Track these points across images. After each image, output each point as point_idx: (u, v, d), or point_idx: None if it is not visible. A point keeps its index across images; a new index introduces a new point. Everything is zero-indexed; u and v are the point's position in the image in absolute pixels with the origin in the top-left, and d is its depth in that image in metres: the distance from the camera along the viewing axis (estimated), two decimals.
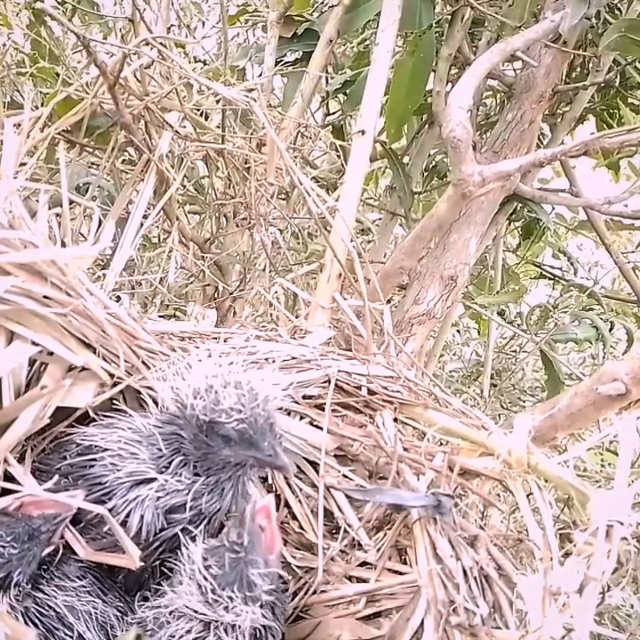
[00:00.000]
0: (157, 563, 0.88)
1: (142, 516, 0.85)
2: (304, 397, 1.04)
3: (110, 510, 0.84)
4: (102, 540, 0.86)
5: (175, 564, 0.85)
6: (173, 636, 0.79)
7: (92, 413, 0.94)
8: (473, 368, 2.75)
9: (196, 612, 0.79)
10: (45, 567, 0.84)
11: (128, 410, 0.94)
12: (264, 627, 0.80)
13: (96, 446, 0.89)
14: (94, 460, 0.88)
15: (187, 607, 0.80)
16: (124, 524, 0.85)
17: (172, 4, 2.17)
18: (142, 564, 0.84)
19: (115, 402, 0.96)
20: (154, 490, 0.86)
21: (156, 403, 0.94)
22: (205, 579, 0.79)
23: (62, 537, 0.85)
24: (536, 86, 1.72)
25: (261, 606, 0.79)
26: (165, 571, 0.88)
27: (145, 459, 0.88)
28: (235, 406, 0.84)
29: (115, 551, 0.86)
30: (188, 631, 0.79)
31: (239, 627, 0.78)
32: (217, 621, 0.78)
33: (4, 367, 0.87)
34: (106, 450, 0.88)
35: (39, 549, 0.82)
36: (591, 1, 1.42)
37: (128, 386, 0.95)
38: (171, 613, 0.81)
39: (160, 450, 0.88)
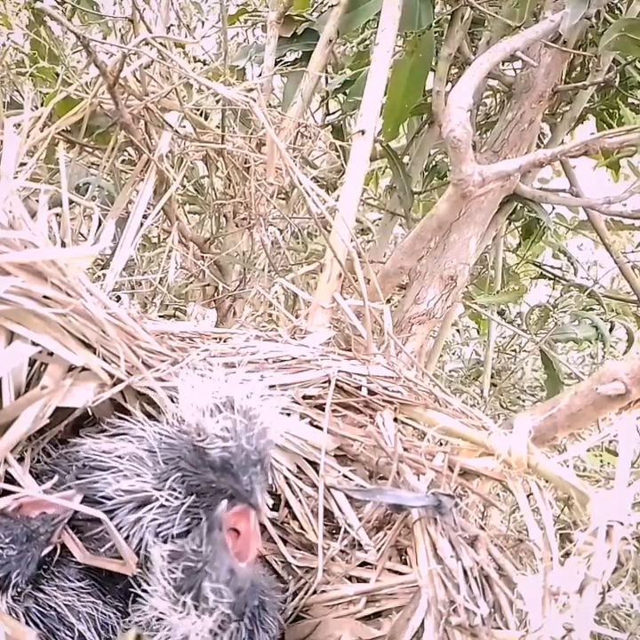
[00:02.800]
0: None
1: (141, 540, 0.84)
2: (304, 397, 1.04)
3: None
4: (103, 553, 0.86)
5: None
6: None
7: (91, 413, 0.94)
8: (473, 368, 2.75)
9: (162, 614, 0.76)
10: (45, 567, 0.84)
11: (139, 418, 0.93)
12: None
13: (102, 462, 0.88)
14: (97, 479, 0.87)
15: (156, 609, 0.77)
16: None
17: (172, 3, 2.16)
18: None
19: (123, 407, 0.96)
20: (152, 512, 0.85)
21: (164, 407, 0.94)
22: (167, 581, 0.77)
23: (60, 537, 0.84)
24: (536, 86, 1.73)
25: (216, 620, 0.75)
26: None
27: (148, 477, 0.86)
28: (220, 434, 0.82)
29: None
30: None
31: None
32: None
33: (4, 367, 0.86)
34: (110, 468, 0.87)
35: (37, 550, 0.81)
36: (591, 1, 1.42)
37: (128, 386, 0.95)
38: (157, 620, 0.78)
39: (161, 466, 0.87)
